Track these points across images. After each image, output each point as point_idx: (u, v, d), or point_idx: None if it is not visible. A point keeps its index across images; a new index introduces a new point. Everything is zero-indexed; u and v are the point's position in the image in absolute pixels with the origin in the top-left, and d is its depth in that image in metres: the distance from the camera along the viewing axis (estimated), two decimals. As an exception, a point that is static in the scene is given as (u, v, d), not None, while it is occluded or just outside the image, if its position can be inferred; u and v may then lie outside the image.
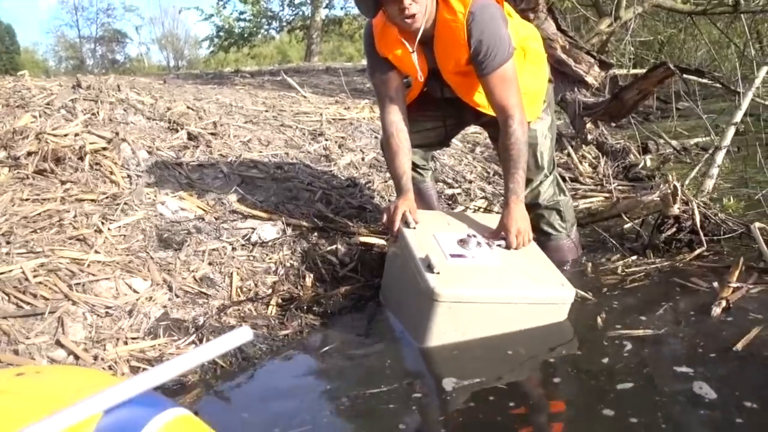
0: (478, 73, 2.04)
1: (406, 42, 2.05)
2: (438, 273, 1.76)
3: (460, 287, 1.76)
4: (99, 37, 25.87)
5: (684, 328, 1.82)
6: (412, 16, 1.92)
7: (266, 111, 4.09)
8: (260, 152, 3.26)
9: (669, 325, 1.85)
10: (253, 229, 2.51)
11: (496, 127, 2.13)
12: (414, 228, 2.00)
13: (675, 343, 1.74)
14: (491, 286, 1.80)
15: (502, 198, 2.16)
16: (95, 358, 1.75)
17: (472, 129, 4.05)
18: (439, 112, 2.39)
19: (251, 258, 2.35)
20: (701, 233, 2.32)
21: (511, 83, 2.04)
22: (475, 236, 1.98)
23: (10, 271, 1.93)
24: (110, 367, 1.74)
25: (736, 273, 2.05)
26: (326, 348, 1.95)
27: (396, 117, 2.19)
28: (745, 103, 2.93)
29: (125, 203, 2.42)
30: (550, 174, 2.39)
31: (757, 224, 2.32)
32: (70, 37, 25.92)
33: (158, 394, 1.02)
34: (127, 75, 10.91)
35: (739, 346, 1.63)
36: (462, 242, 1.96)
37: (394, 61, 2.14)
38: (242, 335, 1.10)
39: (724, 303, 1.86)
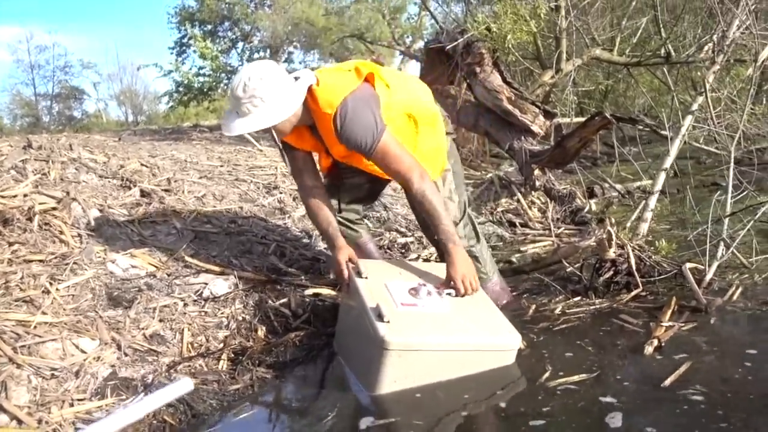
0: (362, 155, 2.17)
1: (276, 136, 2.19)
2: (388, 322, 1.81)
3: (409, 335, 1.81)
4: (56, 95, 25.67)
5: (617, 367, 1.91)
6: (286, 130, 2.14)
7: (221, 166, 4.15)
8: (214, 207, 3.29)
9: (605, 363, 1.94)
10: (206, 284, 2.53)
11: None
12: (366, 277, 2.06)
13: (607, 381, 1.81)
14: (440, 334, 1.85)
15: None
16: (39, 421, 1.73)
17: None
18: (349, 174, 2.49)
19: (203, 313, 2.36)
20: (637, 275, 2.43)
21: (393, 154, 2.12)
22: (425, 285, 2.04)
23: (-47, 335, 1.90)
24: (54, 431, 1.72)
25: (669, 312, 2.15)
26: (278, 401, 1.98)
27: (309, 182, 2.34)
28: (674, 150, 3.11)
29: (75, 263, 2.42)
30: (460, 220, 2.49)
31: (688, 265, 2.45)
32: (25, 95, 25.65)
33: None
34: (84, 131, 10.85)
35: (668, 382, 1.72)
36: (413, 291, 2.02)
37: (292, 143, 2.28)
38: (183, 386, 1.13)
39: (656, 342, 1.95)
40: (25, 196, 2.75)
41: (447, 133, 2.49)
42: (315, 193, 2.32)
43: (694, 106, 3.29)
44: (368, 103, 2.10)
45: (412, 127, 2.29)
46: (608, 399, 1.69)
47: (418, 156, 2.21)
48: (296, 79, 2.11)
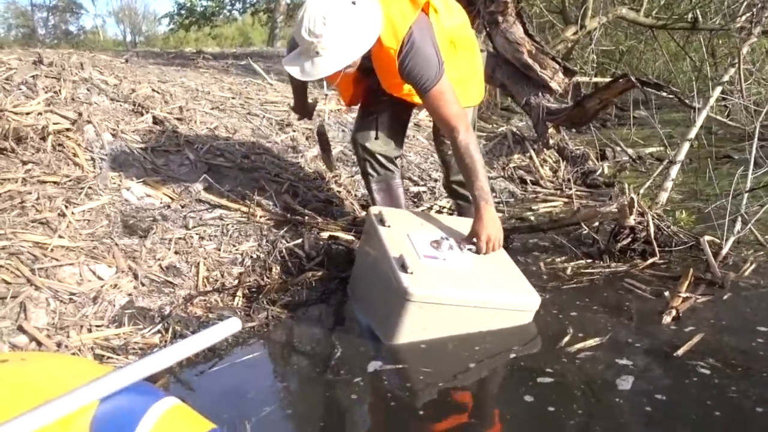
0: (416, 92, 2.13)
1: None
2: (411, 273, 1.80)
3: (432, 288, 1.80)
4: (52, 7, 24.86)
5: (630, 332, 1.94)
6: (334, 80, 2.03)
7: (233, 98, 4.05)
8: (227, 140, 3.23)
9: (618, 327, 1.96)
10: (220, 218, 2.50)
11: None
12: (389, 226, 2.04)
13: (622, 345, 1.83)
14: (462, 289, 1.85)
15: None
16: (58, 344, 1.73)
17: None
18: (376, 103, 2.44)
19: (218, 248, 2.35)
20: (654, 244, 2.43)
21: (446, 99, 2.09)
22: (447, 239, 2.03)
23: (-30, 253, 1.88)
24: (74, 355, 1.72)
25: (686, 283, 2.16)
26: (294, 342, 1.99)
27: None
28: (700, 120, 3.06)
29: (89, 187, 2.38)
30: None
31: (707, 237, 2.45)
32: (21, 4, 24.85)
33: (150, 384, 1.03)
34: (81, 48, 10.55)
35: (680, 352, 1.74)
36: (435, 243, 2.01)
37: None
38: (232, 326, 1.12)
39: (674, 312, 1.96)
40: (38, 114, 2.67)
41: (480, 51, 2.46)
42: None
43: (725, 78, 3.23)
44: (430, 37, 2.06)
45: (453, 53, 2.23)
46: (621, 363, 1.72)
47: (454, 82, 2.15)
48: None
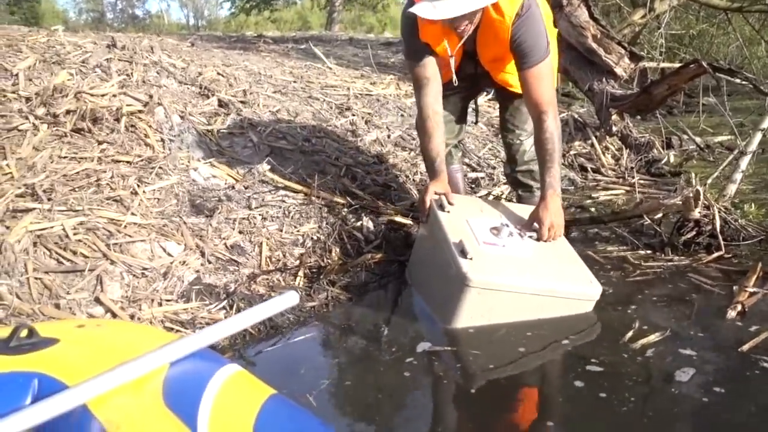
0: (517, 66, 2.13)
1: (447, 44, 2.12)
2: (471, 259, 1.81)
3: (491, 275, 1.81)
4: (121, -9, 25.71)
5: (694, 325, 1.89)
6: (463, 31, 2.03)
7: (294, 82, 4.12)
8: (288, 123, 3.29)
9: (682, 320, 1.92)
10: (282, 200, 2.56)
11: (502, 95, 2.38)
12: (448, 212, 2.05)
13: (684, 338, 1.79)
14: (522, 276, 1.85)
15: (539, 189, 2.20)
16: (131, 317, 1.83)
17: (496, 113, 4.06)
18: (457, 86, 2.42)
19: (279, 229, 2.41)
20: (720, 237, 2.35)
21: (546, 80, 2.11)
22: (507, 225, 2.03)
23: (52, 227, 2.00)
24: (146, 327, 1.81)
25: (754, 278, 2.09)
26: (352, 322, 2.03)
27: (432, 99, 2.21)
28: (776, 108, 2.93)
29: (160, 167, 2.48)
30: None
31: (778, 231, 2.36)
32: (91, -11, 25.79)
33: (214, 352, 1.09)
34: (148, 31, 10.88)
35: (746, 347, 1.70)
36: (495, 230, 2.01)
37: (434, 47, 2.17)
38: (290, 299, 1.17)
39: (739, 307, 1.91)
40: (113, 96, 2.79)
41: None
42: (434, 114, 2.21)
43: (806, 64, 3.06)
44: (541, 14, 2.09)
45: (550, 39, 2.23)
46: (681, 355, 1.69)
47: None
48: None
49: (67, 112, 2.59)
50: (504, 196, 3.17)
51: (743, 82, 3.23)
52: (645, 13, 4.67)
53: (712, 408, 1.46)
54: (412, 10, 1.96)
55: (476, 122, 3.30)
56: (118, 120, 2.64)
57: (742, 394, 1.51)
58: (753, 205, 2.60)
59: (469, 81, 2.43)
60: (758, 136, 2.91)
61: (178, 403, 0.99)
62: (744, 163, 2.80)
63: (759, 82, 3.36)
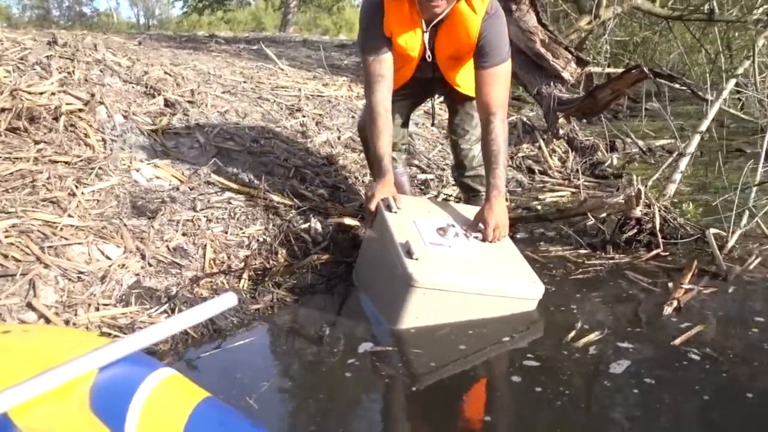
0: (476, 65, 2.16)
1: (423, 22, 2.12)
2: (417, 259, 1.82)
3: (437, 275, 1.82)
4: (67, -13, 24.97)
5: (631, 321, 1.97)
6: (437, 5, 2.02)
7: (244, 82, 4.06)
8: (237, 124, 3.25)
9: (619, 317, 1.99)
10: (228, 202, 2.52)
11: (452, 99, 2.40)
12: (395, 212, 2.05)
13: (621, 334, 1.84)
14: (467, 277, 1.87)
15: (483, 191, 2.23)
16: (66, 322, 1.77)
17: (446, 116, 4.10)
18: (408, 90, 2.43)
19: (225, 231, 2.37)
20: (660, 236, 2.43)
21: (502, 83, 2.16)
22: (453, 226, 2.04)
23: (-18, 230, 1.91)
24: (82, 332, 1.75)
25: (689, 275, 2.17)
26: (296, 324, 2.02)
27: (384, 97, 2.18)
28: (712, 113, 3.04)
29: (100, 168, 2.41)
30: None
31: (712, 230, 2.44)
32: (36, -15, 24.96)
33: (147, 355, 1.06)
34: (95, 30, 10.59)
35: (677, 341, 1.76)
36: (441, 231, 2.02)
37: (398, 39, 2.15)
38: (228, 300, 1.15)
39: (675, 303, 1.97)
40: (51, 94, 2.70)
41: None
42: (385, 112, 2.17)
43: (740, 70, 3.20)
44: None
45: None
46: (616, 350, 1.74)
47: None
48: None
49: (2, 110, 2.49)
50: (453, 197, 3.19)
51: (682, 88, 3.34)
52: (591, 19, 4.79)
53: (643, 397, 1.51)
54: None
55: (433, 124, 3.32)
56: (56, 119, 2.56)
57: (672, 385, 1.57)
58: (691, 204, 2.70)
59: (421, 86, 2.44)
60: (696, 139, 3.01)
61: (105, 409, 0.96)
62: (683, 164, 2.90)
63: (697, 88, 3.49)
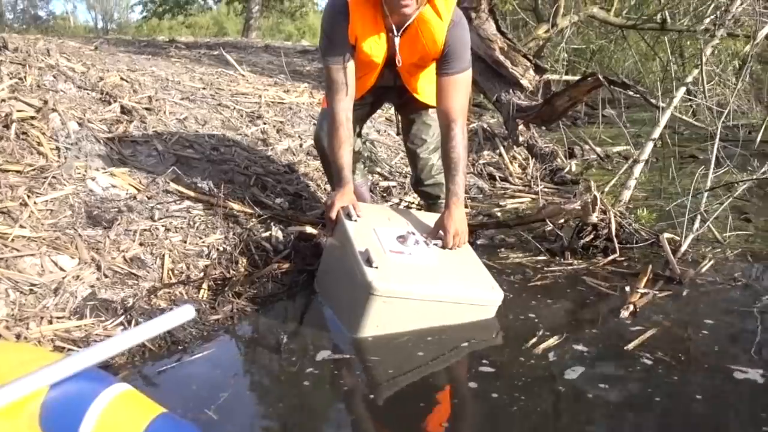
0: (439, 71, 2.17)
1: (393, 26, 2.11)
2: (376, 267, 1.82)
3: (396, 283, 1.83)
4: (21, -10, 24.33)
5: (587, 326, 2.00)
6: (407, 5, 1.98)
7: (204, 88, 4.02)
8: (197, 131, 3.21)
9: (576, 322, 2.04)
10: (187, 211, 2.49)
11: (409, 108, 2.43)
12: (355, 220, 2.05)
13: (577, 339, 1.88)
14: (426, 284, 1.88)
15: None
16: (18, 336, 1.71)
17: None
18: (365, 99, 2.43)
19: (183, 240, 2.33)
20: (615, 241, 2.49)
21: (464, 91, 2.18)
22: (413, 234, 2.05)
23: (-73, 242, 1.84)
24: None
25: (644, 279, 2.22)
26: (256, 334, 2.00)
27: (347, 105, 2.17)
28: (664, 120, 3.13)
29: (53, 177, 2.35)
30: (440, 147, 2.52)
31: (666, 235, 2.51)
32: (-12, -13, 24.25)
33: (101, 371, 1.04)
34: (51, 33, 10.34)
35: (631, 345, 1.80)
36: (401, 238, 2.03)
37: (362, 44, 2.13)
38: (185, 313, 1.13)
39: (631, 307, 2.01)
40: (2, 101, 2.62)
41: None
42: (347, 121, 2.16)
43: (689, 78, 3.30)
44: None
45: None
46: (572, 355, 1.77)
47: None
48: None
49: (-51, 118, 2.41)
50: (415, 204, 3.21)
51: (636, 95, 3.43)
52: (549, 28, 4.88)
53: (596, 402, 1.54)
54: None
55: (398, 133, 3.32)
56: (7, 127, 2.48)
57: (624, 389, 1.60)
58: (645, 210, 2.77)
59: (377, 96, 2.45)
60: (649, 146, 3.10)
61: (56, 427, 0.93)
62: (637, 171, 2.98)
63: (649, 95, 3.58)
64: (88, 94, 3.15)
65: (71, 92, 3.09)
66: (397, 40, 2.13)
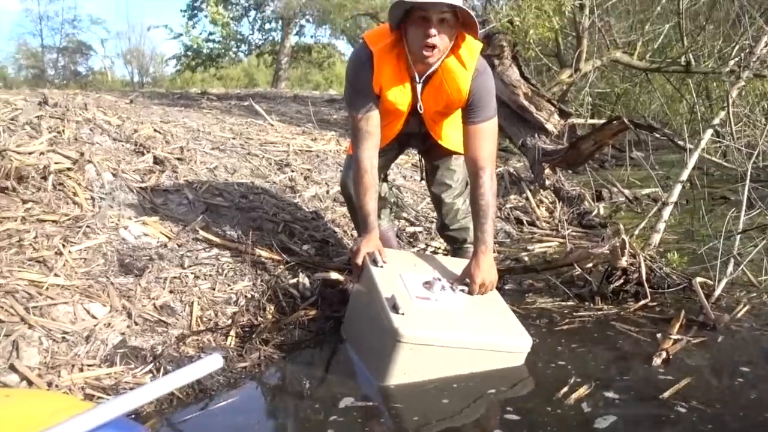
0: (465, 120, 2.18)
1: (416, 74, 2.14)
2: (403, 314, 1.81)
3: (423, 330, 1.82)
4: (62, 48, 25.47)
5: (619, 373, 1.95)
6: (433, 47, 2.01)
7: (233, 138, 4.12)
8: (226, 180, 3.28)
9: (607, 369, 1.97)
10: (216, 258, 2.53)
11: (434, 154, 2.46)
12: (381, 266, 2.06)
13: (608, 386, 1.83)
14: (453, 331, 1.86)
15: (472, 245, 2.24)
16: (49, 384, 1.74)
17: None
18: (391, 145, 2.45)
19: (212, 287, 2.36)
20: (646, 285, 2.44)
21: (491, 138, 2.18)
22: (440, 279, 2.05)
23: (-34, 291, 1.90)
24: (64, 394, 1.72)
25: (677, 325, 2.17)
26: (284, 382, 1.99)
27: (372, 153, 2.20)
28: (692, 162, 3.10)
29: (87, 226, 2.42)
30: (464, 191, 2.57)
31: (699, 279, 2.46)
32: (32, 46, 25.44)
33: (130, 420, 1.05)
34: (89, 88, 10.77)
35: (666, 394, 1.75)
36: (427, 284, 2.02)
37: (387, 93, 2.16)
38: (213, 363, 1.14)
39: (664, 354, 1.96)
40: (40, 153, 2.73)
41: None
42: (372, 168, 2.18)
43: (716, 120, 3.28)
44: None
45: None
46: (603, 403, 1.72)
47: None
48: None
49: (-9, 170, 2.51)
50: (441, 250, 3.21)
51: (662, 137, 3.41)
52: (572, 72, 4.92)
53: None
54: None
55: (422, 179, 3.34)
56: (45, 178, 2.58)
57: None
58: (676, 253, 2.72)
59: (401, 142, 2.48)
60: (678, 188, 3.06)
61: (84, 476, 0.94)
62: (666, 213, 2.94)
63: (677, 137, 3.56)
64: (122, 145, 3.26)
65: (107, 144, 3.20)
66: (419, 87, 2.16)
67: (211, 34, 17.92)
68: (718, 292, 2.46)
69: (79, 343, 1.90)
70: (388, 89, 2.16)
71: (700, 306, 2.35)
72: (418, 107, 2.21)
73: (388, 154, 2.51)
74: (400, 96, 2.18)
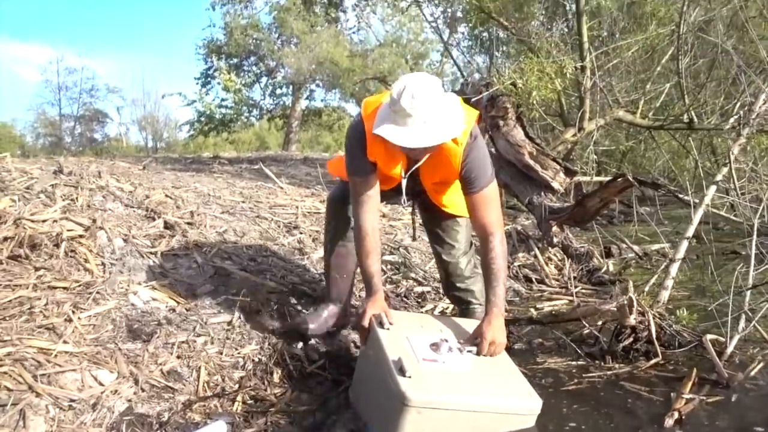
0: (465, 191, 2.21)
1: (401, 166, 2.20)
2: (410, 377, 1.80)
3: (430, 393, 1.80)
4: (79, 116, 26.26)
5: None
6: (420, 158, 2.11)
7: (243, 201, 4.19)
8: (235, 243, 3.32)
9: (618, 431, 1.93)
10: (227, 322, 2.53)
11: (437, 219, 2.48)
12: (388, 329, 2.06)
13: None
14: (462, 393, 1.84)
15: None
16: (54, 453, 1.73)
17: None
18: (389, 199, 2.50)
19: (220, 352, 2.36)
20: (657, 344, 2.41)
21: (494, 203, 2.21)
22: (447, 341, 2.03)
23: (-24, 359, 1.92)
24: (69, 464, 1.71)
25: (689, 384, 2.13)
26: (290, 449, 1.96)
27: (371, 216, 2.23)
28: (697, 218, 3.11)
29: (98, 292, 2.45)
30: (468, 251, 2.58)
31: (710, 336, 2.43)
32: (50, 115, 26.27)
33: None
34: (104, 155, 11.03)
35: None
36: (434, 346, 2.01)
37: (380, 164, 2.21)
38: (218, 430, 1.14)
39: (677, 414, 1.93)
40: (54, 221, 2.79)
41: None
42: (372, 231, 2.21)
43: (719, 177, 3.31)
44: (483, 140, 2.20)
45: None
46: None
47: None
48: None
49: (5, 239, 2.57)
50: (449, 310, 3.19)
51: (667, 193, 3.44)
52: (576, 131, 5.00)
53: None
54: (380, 131, 1.96)
55: (414, 239, 3.35)
56: (57, 245, 2.63)
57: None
58: (686, 310, 2.69)
59: (394, 196, 2.50)
60: (684, 244, 3.06)
61: None
62: (674, 270, 2.93)
63: (683, 193, 3.58)
64: (134, 211, 3.33)
65: (118, 210, 3.27)
66: (404, 182, 2.22)
67: (223, 100, 18.41)
68: (730, 349, 2.42)
69: (86, 411, 1.90)
70: (381, 162, 2.21)
71: (712, 363, 2.32)
72: (402, 201, 2.28)
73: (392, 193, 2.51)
74: (392, 167, 2.23)
